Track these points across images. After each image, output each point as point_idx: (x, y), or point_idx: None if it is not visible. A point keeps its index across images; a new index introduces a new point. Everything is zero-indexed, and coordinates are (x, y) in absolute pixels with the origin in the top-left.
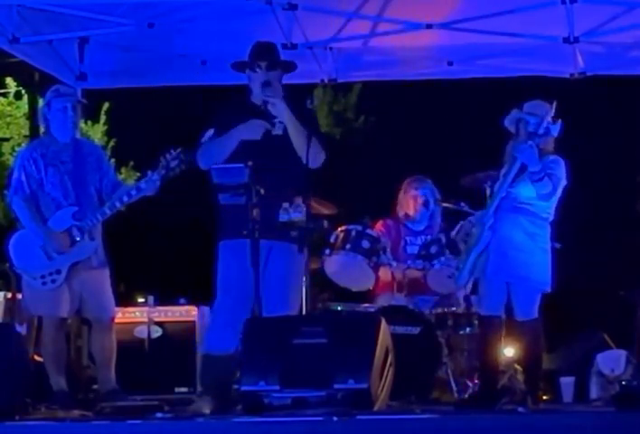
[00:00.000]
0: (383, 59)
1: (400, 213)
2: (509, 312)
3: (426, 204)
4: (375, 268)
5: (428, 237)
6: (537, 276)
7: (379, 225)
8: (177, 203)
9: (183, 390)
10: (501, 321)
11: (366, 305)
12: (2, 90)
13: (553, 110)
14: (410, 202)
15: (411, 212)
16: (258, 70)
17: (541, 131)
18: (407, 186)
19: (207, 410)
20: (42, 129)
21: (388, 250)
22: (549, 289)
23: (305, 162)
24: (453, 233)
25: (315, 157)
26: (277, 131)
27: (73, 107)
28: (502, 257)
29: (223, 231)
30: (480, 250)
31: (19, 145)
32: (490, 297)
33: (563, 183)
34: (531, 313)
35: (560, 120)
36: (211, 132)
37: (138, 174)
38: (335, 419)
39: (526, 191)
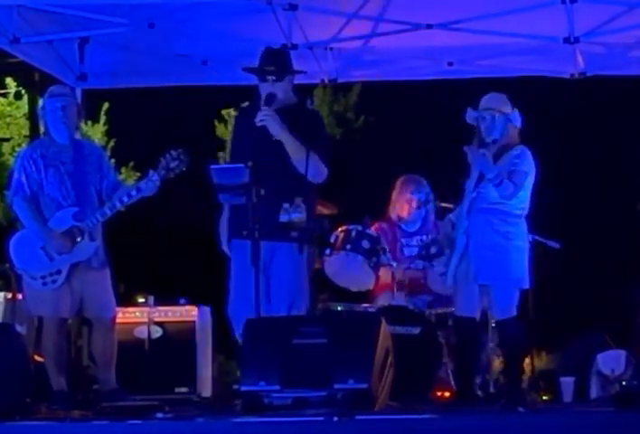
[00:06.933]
0: (383, 59)
1: (393, 215)
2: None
3: (420, 206)
4: (375, 269)
5: (424, 237)
6: (514, 274)
7: (373, 228)
8: (177, 203)
9: (183, 390)
10: (476, 323)
11: (366, 305)
12: (2, 90)
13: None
14: (405, 205)
15: (404, 215)
16: (265, 80)
17: (489, 140)
18: (401, 188)
19: None
20: (42, 130)
21: (388, 250)
22: (527, 286)
23: (306, 176)
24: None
25: (315, 174)
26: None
27: (64, 107)
28: (479, 260)
29: (231, 230)
30: (459, 255)
31: (19, 145)
32: (467, 299)
33: (532, 174)
34: (510, 311)
35: (517, 110)
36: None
37: (138, 174)
38: (335, 419)
39: (493, 191)
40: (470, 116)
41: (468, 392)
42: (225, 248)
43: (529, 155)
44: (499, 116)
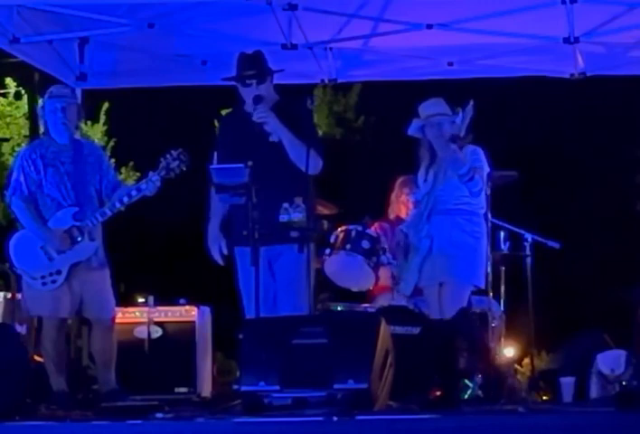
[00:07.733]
0: (383, 59)
1: (392, 216)
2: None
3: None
4: (375, 269)
5: None
6: (477, 272)
7: (375, 228)
8: (177, 204)
9: (183, 390)
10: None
11: (366, 305)
12: (2, 90)
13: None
14: (402, 207)
15: (402, 216)
16: (247, 85)
17: (463, 133)
18: (398, 190)
19: None
20: (41, 130)
21: (387, 250)
22: (482, 284)
23: (303, 170)
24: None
25: (312, 166)
26: (274, 138)
27: (64, 108)
28: (447, 259)
29: (231, 235)
30: (421, 259)
31: (19, 145)
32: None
33: (486, 171)
34: (459, 307)
35: (460, 112)
36: (215, 155)
37: (138, 174)
38: (335, 419)
39: (457, 190)
40: (415, 126)
41: (454, 393)
42: (216, 255)
43: (482, 152)
44: (446, 119)
